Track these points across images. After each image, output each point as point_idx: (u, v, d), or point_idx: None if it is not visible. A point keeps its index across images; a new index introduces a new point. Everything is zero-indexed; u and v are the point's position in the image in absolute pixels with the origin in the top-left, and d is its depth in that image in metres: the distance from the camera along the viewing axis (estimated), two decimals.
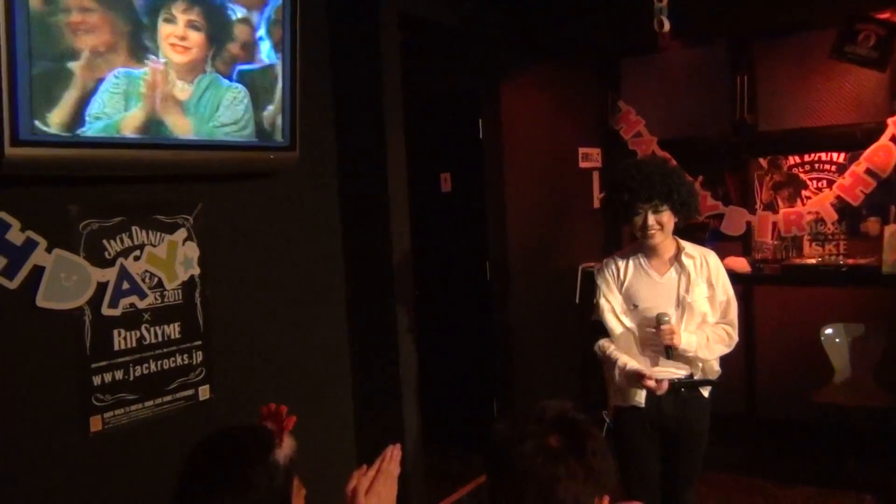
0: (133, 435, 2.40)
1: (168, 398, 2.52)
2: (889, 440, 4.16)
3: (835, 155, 4.61)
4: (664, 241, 2.71)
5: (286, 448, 1.42)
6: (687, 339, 2.67)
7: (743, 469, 4.29)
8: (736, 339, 2.82)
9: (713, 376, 2.85)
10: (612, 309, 2.80)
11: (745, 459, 4.43)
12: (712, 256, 2.80)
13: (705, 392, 2.82)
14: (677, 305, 2.73)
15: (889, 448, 4.13)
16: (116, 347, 2.37)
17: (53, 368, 2.23)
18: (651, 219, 2.63)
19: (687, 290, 2.71)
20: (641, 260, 2.79)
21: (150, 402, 2.47)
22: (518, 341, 4.33)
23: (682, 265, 2.73)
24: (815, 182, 4.68)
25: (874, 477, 4.03)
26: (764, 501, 3.93)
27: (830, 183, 4.56)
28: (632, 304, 2.76)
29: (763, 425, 4.76)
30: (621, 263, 2.84)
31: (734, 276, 4.54)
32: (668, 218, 2.66)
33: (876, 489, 3.92)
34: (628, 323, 2.76)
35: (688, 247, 2.78)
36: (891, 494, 3.86)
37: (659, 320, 2.63)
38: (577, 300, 4.76)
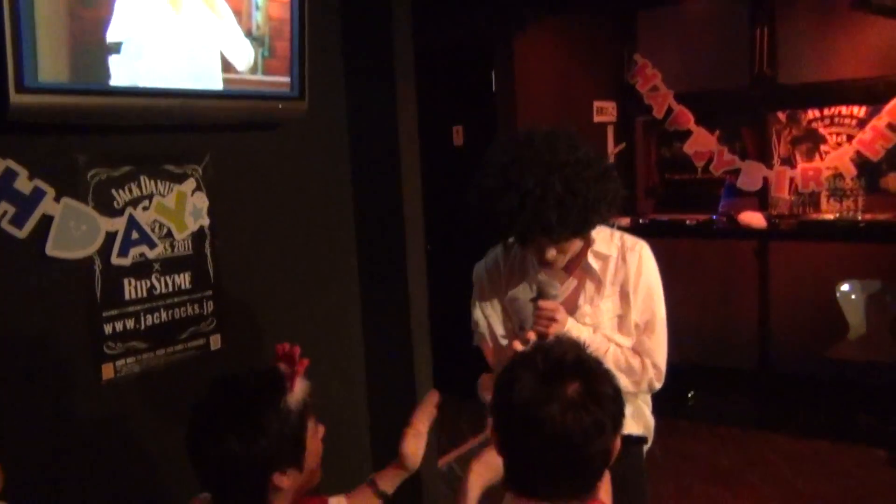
0: (145, 383, 2.42)
1: (179, 347, 2.53)
2: None
3: (855, 109, 4.53)
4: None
5: (298, 391, 1.42)
6: (578, 329, 1.85)
7: (755, 423, 4.30)
8: (652, 380, 1.91)
9: (636, 428, 1.98)
10: (490, 328, 2.07)
11: (757, 414, 4.44)
12: (637, 254, 1.91)
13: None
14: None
15: None
16: (127, 297, 2.38)
17: (65, 317, 2.24)
18: (550, 252, 1.83)
19: (592, 303, 1.92)
20: (532, 262, 1.98)
21: (162, 351, 2.48)
22: None
23: (587, 269, 1.94)
24: (834, 137, 4.60)
25: (886, 432, 4.03)
26: (776, 455, 3.94)
27: (850, 138, 4.49)
28: (518, 325, 1.91)
29: (776, 380, 4.76)
30: (503, 263, 2.07)
31: (750, 232, 4.56)
32: (576, 242, 1.87)
33: (888, 444, 3.92)
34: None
35: (600, 239, 1.94)
36: None
37: (541, 290, 1.82)
38: None
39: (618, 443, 1.29)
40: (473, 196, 1.89)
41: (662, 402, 2.13)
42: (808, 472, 3.73)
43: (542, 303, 1.79)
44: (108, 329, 2.33)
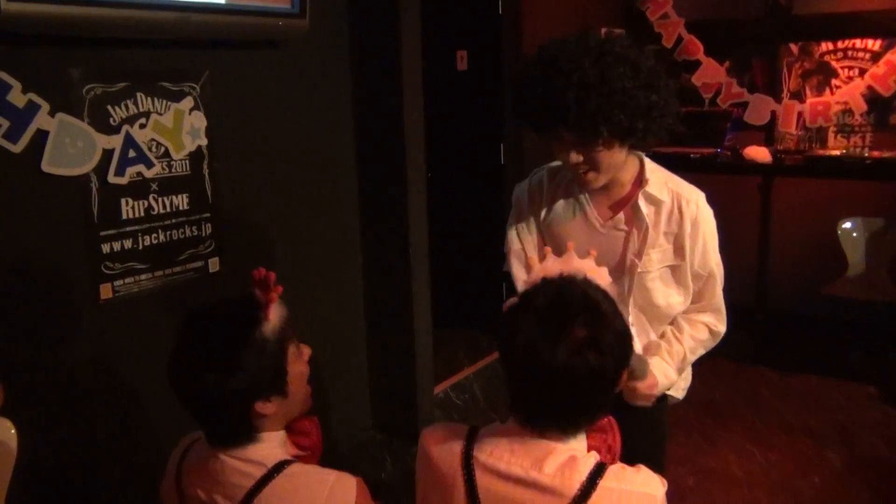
0: (143, 304, 2.42)
1: (178, 269, 2.52)
2: None
3: (870, 42, 4.41)
4: (612, 177, 1.72)
5: (274, 319, 1.39)
6: (663, 376, 1.73)
7: (749, 358, 4.34)
8: (723, 331, 1.86)
9: (681, 387, 1.94)
10: (522, 252, 1.88)
11: (752, 349, 4.47)
12: (694, 205, 1.74)
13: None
14: (623, 273, 1.76)
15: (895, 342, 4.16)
16: (124, 216, 2.35)
17: (62, 235, 2.21)
18: (573, 157, 1.63)
19: (638, 253, 1.75)
20: (576, 189, 1.80)
21: (160, 273, 2.47)
22: None
23: (635, 211, 1.75)
24: (846, 70, 4.50)
25: (878, 369, 4.07)
26: (768, 389, 3.99)
27: (863, 72, 4.38)
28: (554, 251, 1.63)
29: (772, 317, 4.78)
30: (548, 183, 1.86)
31: (755, 167, 4.50)
32: (606, 156, 1.63)
33: (879, 381, 3.97)
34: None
35: (654, 180, 1.74)
36: (893, 386, 3.90)
37: (632, 372, 1.57)
38: None
39: (623, 380, 1.29)
40: (512, 78, 1.72)
41: None
42: (799, 406, 3.79)
43: (637, 384, 1.65)
44: (105, 248, 2.30)
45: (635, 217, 1.75)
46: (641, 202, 1.74)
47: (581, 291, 1.25)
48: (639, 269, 1.75)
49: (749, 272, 4.85)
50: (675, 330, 1.84)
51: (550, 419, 1.24)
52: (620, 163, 1.69)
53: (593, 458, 1.24)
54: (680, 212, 1.74)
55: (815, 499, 3.01)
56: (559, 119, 1.57)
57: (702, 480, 3.15)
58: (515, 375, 1.25)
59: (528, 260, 1.68)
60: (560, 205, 1.83)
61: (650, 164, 1.78)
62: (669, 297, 1.80)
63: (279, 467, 1.37)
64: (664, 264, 1.77)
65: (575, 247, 1.48)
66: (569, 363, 1.16)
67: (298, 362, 1.44)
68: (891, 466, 3.21)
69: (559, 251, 1.49)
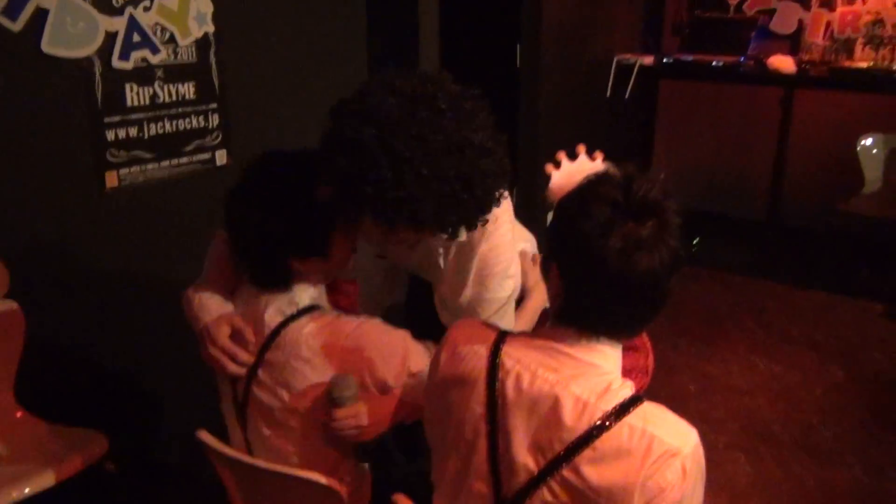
0: (148, 193, 2.38)
1: (184, 160, 2.47)
2: None
3: None
4: None
5: None
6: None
7: (758, 272, 4.32)
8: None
9: None
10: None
11: (761, 264, 4.45)
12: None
13: None
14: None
15: None
16: (129, 103, 2.29)
17: (65, 120, 2.16)
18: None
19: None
20: None
21: (166, 163, 2.42)
22: (545, 135, 4.21)
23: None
24: None
25: (886, 287, 4.06)
26: (774, 303, 3.99)
27: None
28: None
29: (784, 232, 4.75)
30: None
31: (778, 78, 4.36)
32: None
33: (887, 298, 3.96)
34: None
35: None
36: None
37: (334, 396, 1.40)
38: (608, 94, 4.59)
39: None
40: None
41: None
42: (805, 320, 3.79)
43: (337, 413, 1.41)
44: (110, 136, 2.26)
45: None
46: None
47: (661, 191, 1.11)
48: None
49: (763, 186, 4.79)
50: None
51: (605, 328, 1.14)
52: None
53: (628, 390, 1.13)
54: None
55: (816, 408, 3.04)
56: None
57: (704, 388, 3.19)
58: (584, 282, 1.12)
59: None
60: None
61: None
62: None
63: (308, 309, 1.45)
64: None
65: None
66: (652, 269, 1.06)
67: (345, 242, 1.46)
68: (892, 381, 3.24)
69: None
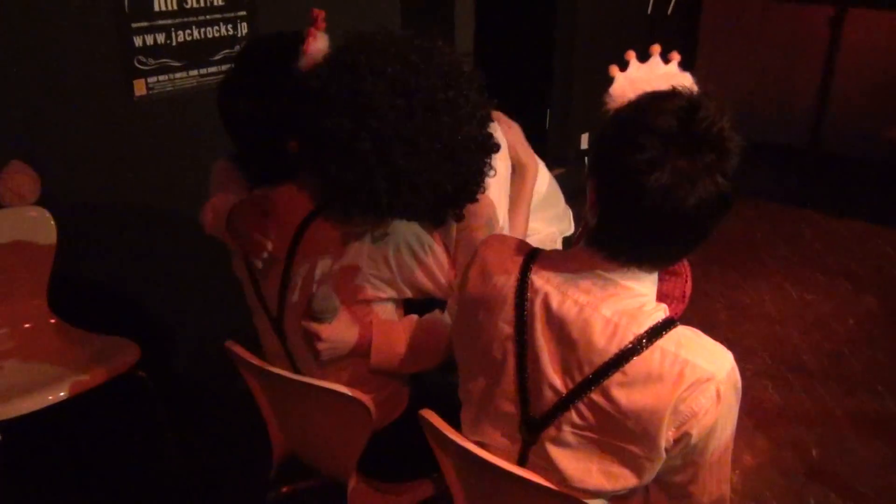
0: (177, 102, 2.35)
1: (213, 69, 2.42)
2: None
3: None
4: None
5: (313, 51, 1.37)
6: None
7: (796, 200, 4.22)
8: None
9: None
10: None
11: (799, 191, 4.34)
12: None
13: None
14: None
15: None
16: (157, 8, 2.23)
17: (91, 25, 2.11)
18: None
19: None
20: None
21: (195, 72, 2.38)
22: (581, 54, 4.08)
23: None
24: None
25: None
26: (811, 231, 3.90)
27: None
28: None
29: (825, 160, 4.61)
30: None
31: None
32: None
33: None
34: None
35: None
36: None
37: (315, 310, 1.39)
38: (649, 10, 4.41)
39: None
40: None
41: None
42: (842, 249, 3.71)
43: (309, 326, 1.40)
44: (138, 42, 2.21)
45: None
46: None
47: (708, 116, 1.02)
48: None
49: (806, 113, 4.64)
50: None
51: (636, 260, 1.08)
52: None
53: (662, 313, 1.08)
54: None
55: (848, 339, 3.00)
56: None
57: (734, 316, 3.15)
58: (620, 212, 1.04)
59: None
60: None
61: None
62: None
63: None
64: None
65: None
66: (697, 211, 0.99)
67: None
68: None
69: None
